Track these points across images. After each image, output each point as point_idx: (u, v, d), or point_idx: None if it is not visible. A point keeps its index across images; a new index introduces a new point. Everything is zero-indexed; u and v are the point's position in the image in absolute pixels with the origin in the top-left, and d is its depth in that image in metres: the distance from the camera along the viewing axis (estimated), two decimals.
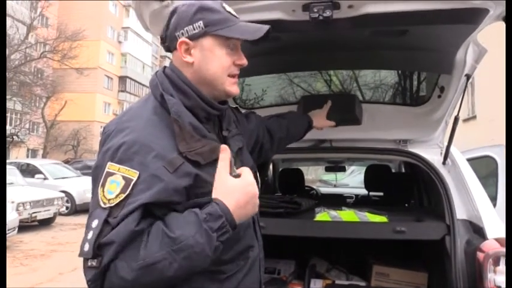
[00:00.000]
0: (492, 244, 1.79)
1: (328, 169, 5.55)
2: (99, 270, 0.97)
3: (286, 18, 1.55)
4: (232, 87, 1.22)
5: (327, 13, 1.44)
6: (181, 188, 1.05)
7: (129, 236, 0.97)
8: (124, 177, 1.01)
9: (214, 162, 1.12)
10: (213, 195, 1.07)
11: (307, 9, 1.46)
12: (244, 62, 1.23)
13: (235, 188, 1.08)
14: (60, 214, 10.95)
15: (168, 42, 1.20)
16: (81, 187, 12.65)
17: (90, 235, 0.99)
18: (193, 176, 1.07)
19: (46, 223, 10.23)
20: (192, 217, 1.01)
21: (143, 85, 42.96)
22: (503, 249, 1.75)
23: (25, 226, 9.25)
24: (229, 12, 1.20)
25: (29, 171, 12.82)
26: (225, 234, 1.03)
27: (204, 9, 1.16)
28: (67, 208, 12.05)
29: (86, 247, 0.98)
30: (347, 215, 2.26)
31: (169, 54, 1.24)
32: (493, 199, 3.43)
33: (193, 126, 1.13)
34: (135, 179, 1.01)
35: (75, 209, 12.33)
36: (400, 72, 2.48)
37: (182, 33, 1.16)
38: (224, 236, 1.03)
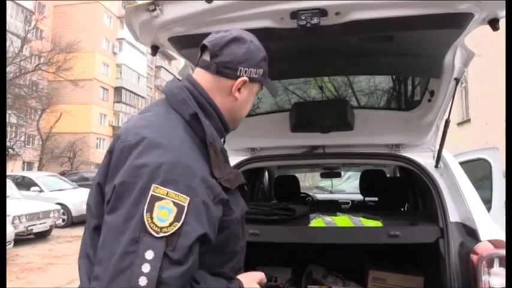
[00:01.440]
0: (486, 246, 1.79)
1: (323, 175, 5.55)
2: None
3: (274, 26, 1.56)
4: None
5: (315, 20, 1.45)
6: (219, 217, 1.06)
7: (188, 278, 0.98)
8: (175, 204, 0.96)
9: (236, 188, 1.16)
10: (241, 278, 1.17)
11: (295, 17, 1.48)
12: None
13: None
14: (57, 227, 10.87)
15: (220, 65, 1.17)
16: (77, 199, 12.58)
17: (146, 268, 0.91)
18: (225, 202, 1.09)
19: (42, 236, 10.16)
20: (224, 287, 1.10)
21: (139, 95, 43.00)
22: (497, 251, 1.75)
23: (21, 239, 9.18)
24: None
25: (24, 184, 12.75)
26: None
27: (265, 60, 1.24)
28: (63, 220, 11.99)
29: (143, 281, 0.90)
30: (341, 220, 2.26)
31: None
32: (488, 202, 3.45)
33: (223, 151, 1.16)
34: (186, 205, 0.97)
35: (72, 221, 12.25)
36: (390, 77, 2.51)
37: (245, 71, 1.18)
38: None
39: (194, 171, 1.02)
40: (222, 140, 1.35)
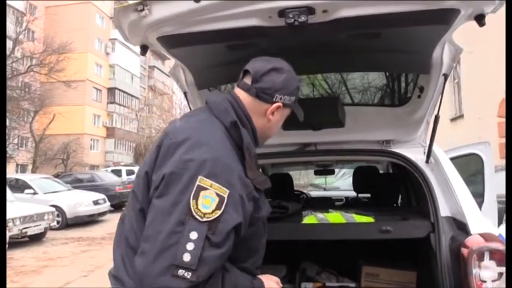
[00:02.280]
0: (476, 239, 1.81)
1: (317, 173, 5.57)
2: (192, 284, 1.06)
3: (263, 25, 1.57)
4: None
5: (302, 18, 1.46)
6: (250, 212, 1.22)
7: (223, 258, 1.14)
8: (217, 194, 1.12)
9: (264, 191, 1.32)
10: (262, 278, 1.36)
11: (282, 15, 1.48)
12: None
13: None
14: (51, 229, 10.81)
15: (259, 91, 1.35)
16: (71, 201, 12.55)
17: (191, 246, 1.07)
18: (256, 200, 1.25)
19: (37, 238, 10.10)
20: (249, 285, 1.28)
21: (132, 96, 42.84)
22: (487, 244, 1.77)
23: (15, 242, 9.14)
24: None
25: (18, 186, 12.66)
26: None
27: (298, 89, 1.44)
28: (58, 222, 11.92)
29: (187, 257, 1.06)
30: (334, 217, 2.27)
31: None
32: (481, 196, 3.48)
33: (255, 157, 1.31)
34: (226, 197, 1.13)
35: (66, 223, 12.20)
36: (379, 74, 2.52)
37: (281, 98, 1.36)
38: None
39: (232, 168, 1.19)
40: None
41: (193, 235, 1.07)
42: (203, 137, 1.22)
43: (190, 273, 1.05)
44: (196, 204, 1.10)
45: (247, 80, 1.38)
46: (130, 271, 1.21)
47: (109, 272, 1.33)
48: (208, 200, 1.11)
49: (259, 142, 1.41)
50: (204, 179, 1.12)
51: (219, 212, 1.10)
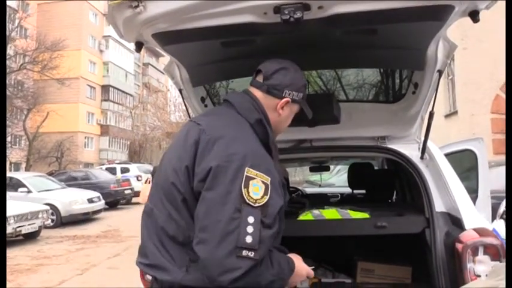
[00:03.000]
0: (470, 234, 1.83)
1: (312, 169, 5.58)
2: (256, 261, 1.20)
3: (258, 21, 1.56)
4: None
5: (298, 14, 1.45)
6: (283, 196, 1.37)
7: (275, 237, 1.29)
8: (263, 182, 1.26)
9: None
10: (295, 260, 1.45)
11: (278, 11, 1.48)
12: None
13: (301, 270, 1.49)
14: (46, 227, 10.76)
15: (270, 87, 1.51)
16: (66, 199, 12.49)
17: (251, 229, 1.20)
18: (284, 187, 1.41)
19: (31, 237, 10.06)
20: (288, 260, 1.40)
21: (127, 93, 42.66)
22: (482, 239, 1.79)
23: (10, 241, 9.08)
24: None
25: (12, 185, 12.56)
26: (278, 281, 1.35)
27: (305, 86, 1.59)
28: (52, 221, 11.83)
29: (249, 239, 1.19)
30: (329, 213, 2.28)
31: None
32: (475, 192, 3.50)
33: (277, 151, 1.49)
34: (269, 183, 1.27)
35: (61, 222, 12.15)
36: (374, 70, 2.52)
37: (289, 94, 1.51)
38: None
39: (268, 159, 1.35)
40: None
41: (251, 219, 1.20)
42: (238, 133, 1.36)
43: (253, 253, 1.19)
44: (248, 192, 1.23)
45: (259, 79, 1.53)
46: (172, 259, 1.33)
47: (138, 262, 1.43)
48: (257, 187, 1.24)
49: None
50: (250, 169, 1.26)
51: (266, 198, 1.24)
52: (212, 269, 1.20)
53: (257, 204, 1.23)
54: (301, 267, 1.49)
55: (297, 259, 1.48)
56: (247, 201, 1.22)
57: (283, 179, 1.45)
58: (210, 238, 1.22)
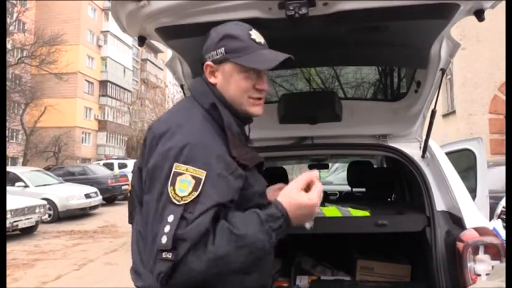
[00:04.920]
0: (471, 234, 1.83)
1: (311, 167, 5.58)
2: (174, 263, 1.07)
3: (262, 17, 1.56)
4: (253, 107, 1.34)
5: (303, 10, 1.45)
6: (238, 188, 1.20)
7: (203, 233, 1.08)
8: (193, 177, 1.13)
9: (254, 167, 1.30)
10: (278, 199, 1.21)
11: (283, 7, 1.47)
12: (264, 86, 1.33)
13: (300, 204, 1.21)
14: (43, 222, 10.75)
15: (202, 64, 1.35)
16: (63, 194, 12.46)
17: (167, 228, 1.09)
18: (244, 178, 1.22)
19: (28, 232, 10.03)
20: (254, 217, 1.16)
21: (125, 89, 42.54)
22: (482, 238, 1.79)
23: (6, 235, 9.04)
24: (253, 40, 1.30)
25: (9, 179, 12.47)
26: (283, 232, 1.18)
27: (228, 37, 1.29)
28: (49, 216, 11.84)
29: (164, 239, 1.08)
30: (330, 210, 2.28)
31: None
32: (473, 191, 3.51)
33: (239, 135, 1.30)
34: (203, 178, 1.13)
35: (58, 216, 12.13)
36: (377, 68, 2.52)
37: (209, 57, 1.31)
38: (281, 234, 1.17)
39: (211, 150, 1.18)
40: (248, 130, 1.46)
41: (170, 218, 1.09)
42: (181, 123, 1.22)
43: (170, 254, 1.08)
44: (174, 190, 1.12)
45: None
46: (146, 263, 1.23)
47: (130, 268, 1.36)
48: (184, 183, 1.12)
49: (240, 111, 1.32)
50: (180, 165, 1.14)
51: (195, 194, 1.11)
52: (153, 276, 1.12)
53: (182, 202, 1.10)
54: (296, 201, 1.20)
55: (287, 196, 1.21)
56: (172, 199, 1.11)
57: (248, 167, 1.25)
58: (148, 246, 1.17)
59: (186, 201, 1.10)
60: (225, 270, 1.11)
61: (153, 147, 1.21)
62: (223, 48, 1.28)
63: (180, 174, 1.13)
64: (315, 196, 1.22)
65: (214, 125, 1.26)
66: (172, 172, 1.13)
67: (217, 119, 1.27)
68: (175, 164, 1.14)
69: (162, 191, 1.13)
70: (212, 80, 1.32)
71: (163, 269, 1.08)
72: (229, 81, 1.30)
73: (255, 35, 1.32)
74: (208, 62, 1.31)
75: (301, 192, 1.22)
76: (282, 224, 1.16)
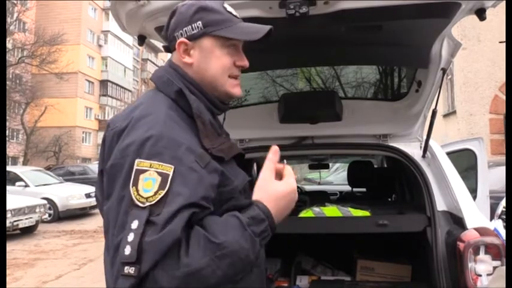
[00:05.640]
0: (472, 234, 1.83)
1: (311, 167, 5.58)
2: (136, 279, 0.89)
3: (263, 16, 1.55)
4: (234, 88, 1.19)
5: (303, 9, 1.45)
6: (214, 185, 1.01)
7: (174, 241, 0.90)
8: (159, 173, 0.95)
9: (232, 159, 1.12)
10: (255, 197, 1.04)
11: (283, 6, 1.47)
12: (246, 63, 1.20)
13: (280, 194, 1.05)
14: (43, 222, 10.73)
15: (168, 43, 1.18)
16: (63, 193, 12.45)
17: (130, 237, 0.90)
18: (220, 172, 1.04)
19: (28, 231, 10.01)
20: (234, 221, 0.98)
21: (125, 89, 42.56)
22: (483, 238, 1.79)
23: (7, 235, 9.04)
24: (230, 13, 1.17)
25: (9, 179, 12.48)
26: (267, 238, 1.01)
27: (204, 10, 1.14)
28: (50, 215, 11.83)
29: (127, 250, 0.90)
30: (330, 210, 2.28)
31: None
32: (474, 191, 3.50)
33: (211, 123, 1.12)
34: (171, 173, 0.95)
35: (58, 216, 12.11)
36: (378, 67, 2.52)
37: (181, 34, 1.13)
38: (265, 240, 1.01)
39: (179, 141, 1.01)
40: (223, 118, 1.31)
41: (134, 224, 0.91)
42: (143, 116, 1.05)
43: (133, 268, 0.89)
44: (137, 191, 0.94)
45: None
46: (109, 282, 1.03)
47: None
48: (149, 182, 0.95)
49: (216, 94, 1.17)
50: (142, 161, 0.96)
51: (162, 192, 0.93)
52: None
53: (147, 204, 0.93)
54: (275, 195, 1.05)
55: (263, 192, 1.05)
56: (136, 201, 0.93)
57: (215, 161, 1.06)
58: (107, 257, 0.98)
59: (151, 202, 0.92)
60: (202, 287, 0.91)
61: (113, 146, 1.05)
62: (199, 22, 1.12)
63: (143, 171, 0.95)
64: (292, 180, 1.08)
65: (181, 114, 1.09)
66: (134, 170, 0.96)
67: (185, 107, 1.11)
68: (136, 160, 0.96)
69: (123, 194, 0.96)
70: (187, 59, 1.14)
71: (125, 286, 0.89)
72: (209, 58, 1.14)
73: (230, 8, 1.19)
74: (182, 39, 1.13)
75: (276, 182, 1.07)
76: (266, 226, 1.00)
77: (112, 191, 0.99)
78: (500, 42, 9.72)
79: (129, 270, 0.89)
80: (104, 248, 1.14)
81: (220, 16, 1.14)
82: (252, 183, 1.14)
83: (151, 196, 0.93)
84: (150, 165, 0.96)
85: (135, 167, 0.96)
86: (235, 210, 1.02)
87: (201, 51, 1.14)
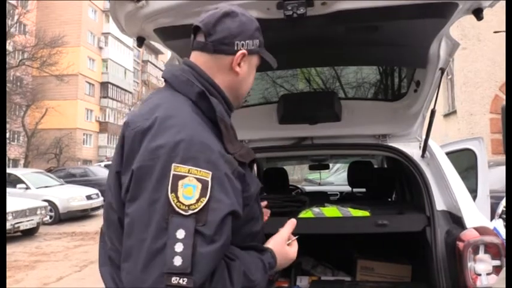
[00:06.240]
0: (471, 233, 1.83)
1: (311, 167, 5.58)
2: None
3: (261, 17, 1.55)
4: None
5: (301, 10, 1.45)
6: (240, 191, 1.05)
7: (221, 252, 0.96)
8: (198, 179, 0.94)
9: (249, 164, 1.15)
10: (271, 246, 1.17)
11: (281, 7, 1.47)
12: None
13: (286, 256, 1.20)
14: (44, 224, 10.74)
15: (216, 43, 1.15)
16: (64, 195, 12.45)
17: (179, 247, 0.89)
18: (242, 177, 1.07)
19: (29, 233, 10.03)
20: (260, 264, 1.09)
21: (126, 90, 42.57)
22: (482, 238, 1.79)
23: (8, 237, 9.04)
24: None
25: (10, 181, 12.48)
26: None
27: (259, 30, 1.21)
28: (51, 217, 11.84)
29: (177, 261, 0.89)
30: (330, 211, 2.28)
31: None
32: (474, 191, 3.50)
33: (232, 127, 1.14)
34: (209, 179, 0.95)
35: (59, 218, 12.12)
36: (376, 68, 2.52)
37: (243, 45, 1.16)
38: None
39: (211, 146, 1.01)
40: None
41: (180, 233, 0.90)
42: (169, 117, 1.03)
43: (186, 279, 0.88)
44: (177, 198, 0.92)
45: (200, 38, 1.17)
46: None
47: None
48: (189, 188, 0.93)
49: (234, 104, 1.22)
50: (179, 165, 0.95)
51: (205, 200, 0.93)
52: None
53: (190, 212, 0.92)
54: (284, 254, 1.19)
55: (278, 246, 1.18)
56: (177, 209, 0.92)
57: (246, 164, 1.12)
58: (134, 264, 0.93)
59: (194, 211, 0.92)
60: None
61: (136, 147, 1.02)
62: (258, 41, 1.19)
63: (182, 177, 0.94)
64: (295, 250, 1.24)
65: (203, 117, 1.08)
66: (171, 175, 0.94)
67: (206, 110, 1.09)
68: (173, 165, 0.95)
69: (156, 198, 0.94)
70: (237, 69, 1.16)
71: None
72: (250, 74, 1.22)
73: None
74: (244, 51, 1.15)
75: (287, 246, 1.22)
76: (273, 272, 1.15)
77: (140, 193, 0.97)
78: (495, 32, 9.66)
79: (180, 281, 0.88)
80: (100, 247, 1.16)
81: (262, 38, 1.23)
82: None
83: (194, 204, 0.93)
84: (189, 170, 0.95)
85: (172, 171, 0.94)
86: (252, 235, 1.16)
87: (249, 66, 1.20)
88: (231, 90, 1.19)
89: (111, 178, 1.10)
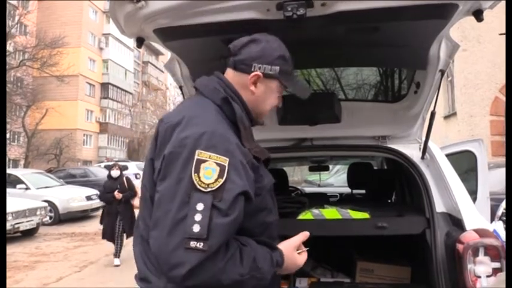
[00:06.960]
0: (471, 235, 1.82)
1: (311, 169, 5.56)
2: (207, 254, 1.07)
3: (261, 18, 1.55)
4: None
5: (301, 11, 1.44)
6: (253, 179, 1.23)
7: (236, 226, 1.15)
8: (217, 164, 1.14)
9: (263, 162, 1.36)
10: (283, 249, 1.31)
11: (281, 8, 1.47)
12: (280, 102, 1.47)
13: (294, 261, 1.34)
14: (44, 224, 10.75)
15: (238, 62, 1.37)
16: (64, 196, 12.47)
17: (198, 217, 1.09)
18: (256, 168, 1.27)
19: (29, 234, 10.05)
20: (269, 257, 1.24)
21: (126, 91, 42.60)
22: (482, 240, 1.78)
23: (8, 238, 9.05)
24: (291, 63, 1.42)
25: (10, 181, 12.49)
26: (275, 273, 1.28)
27: (283, 58, 1.38)
28: (50, 218, 11.86)
29: (196, 228, 1.08)
30: (329, 212, 2.27)
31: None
32: (474, 193, 3.49)
33: (250, 129, 1.36)
34: (226, 164, 1.15)
35: (59, 219, 12.13)
36: (377, 69, 2.52)
37: (259, 68, 1.34)
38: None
39: (229, 138, 1.21)
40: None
41: (200, 206, 1.10)
42: (196, 115, 1.25)
43: (202, 243, 1.07)
44: (199, 177, 1.12)
45: (231, 57, 1.40)
46: (154, 269, 1.22)
47: (135, 275, 1.33)
48: (209, 170, 1.13)
49: (258, 120, 1.44)
50: (202, 152, 1.15)
51: (221, 181, 1.13)
52: (162, 264, 1.12)
53: (209, 189, 1.12)
54: (293, 258, 1.34)
55: (288, 250, 1.33)
56: (198, 186, 1.12)
57: (261, 160, 1.33)
58: (160, 231, 1.12)
59: (212, 188, 1.11)
60: (226, 284, 1.13)
61: (167, 138, 1.22)
62: (278, 68, 1.36)
63: (204, 161, 1.14)
64: (304, 261, 1.37)
65: (226, 120, 1.29)
66: (195, 159, 1.14)
67: (229, 114, 1.30)
68: (197, 151, 1.15)
69: (182, 177, 1.14)
70: (253, 88, 1.35)
71: (191, 260, 1.06)
72: (269, 95, 1.39)
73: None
74: (258, 73, 1.34)
75: (296, 253, 1.35)
76: (278, 270, 1.28)
77: (169, 173, 1.17)
78: (501, 34, 9.66)
79: (197, 244, 1.07)
80: (135, 231, 1.36)
81: (289, 68, 1.41)
82: None
83: (212, 183, 1.12)
84: (210, 156, 1.15)
85: (196, 156, 1.15)
86: (265, 225, 1.33)
87: (266, 88, 1.38)
88: (251, 106, 1.38)
89: (146, 165, 1.32)
